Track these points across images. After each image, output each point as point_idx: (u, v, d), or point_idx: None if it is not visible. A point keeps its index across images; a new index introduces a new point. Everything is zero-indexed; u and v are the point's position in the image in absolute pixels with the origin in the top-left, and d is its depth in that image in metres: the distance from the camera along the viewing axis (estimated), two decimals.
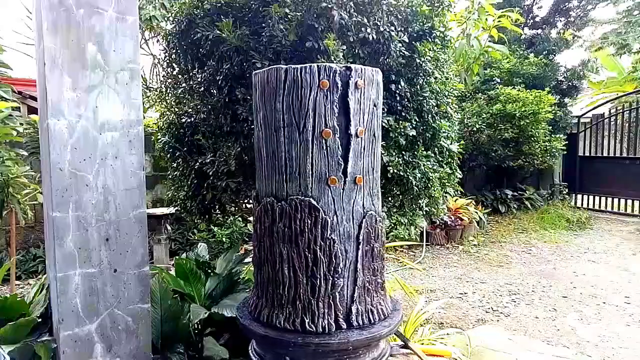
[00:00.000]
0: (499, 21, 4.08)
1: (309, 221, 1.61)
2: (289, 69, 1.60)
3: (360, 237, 1.67)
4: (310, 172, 1.61)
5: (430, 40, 2.73)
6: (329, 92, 1.57)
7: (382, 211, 1.85)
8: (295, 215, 1.62)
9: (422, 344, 2.85)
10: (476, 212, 7.26)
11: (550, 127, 8.96)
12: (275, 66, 1.65)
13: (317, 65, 1.58)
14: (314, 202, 1.61)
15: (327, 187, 1.61)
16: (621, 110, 9.91)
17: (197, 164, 2.90)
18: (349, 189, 1.64)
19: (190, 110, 2.98)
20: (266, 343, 1.76)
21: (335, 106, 1.58)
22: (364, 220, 1.68)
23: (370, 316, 1.71)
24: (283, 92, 1.61)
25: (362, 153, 1.65)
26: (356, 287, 1.68)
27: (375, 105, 1.69)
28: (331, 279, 1.63)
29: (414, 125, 2.72)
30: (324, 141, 1.59)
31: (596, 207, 9.90)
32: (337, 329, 1.64)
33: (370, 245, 1.72)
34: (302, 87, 1.58)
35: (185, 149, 3.04)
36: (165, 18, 4.22)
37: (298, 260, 1.63)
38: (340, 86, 1.58)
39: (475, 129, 8.00)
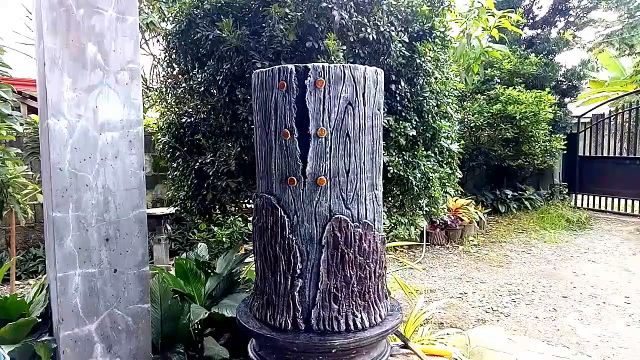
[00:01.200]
0: (500, 21, 4.08)
1: (271, 219, 1.67)
2: (260, 72, 1.67)
3: (324, 241, 1.63)
4: (274, 172, 1.67)
5: (430, 40, 2.73)
6: (287, 93, 1.60)
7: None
8: (262, 212, 1.71)
9: (422, 344, 2.85)
10: (476, 212, 7.26)
11: (550, 127, 8.96)
12: (267, 69, 1.68)
13: (279, 67, 1.61)
14: (274, 201, 1.66)
15: (287, 186, 1.64)
16: (621, 110, 9.92)
17: (197, 164, 2.90)
18: (309, 190, 1.62)
19: (190, 110, 2.98)
20: (246, 336, 1.86)
21: (293, 107, 1.60)
22: (330, 223, 1.62)
23: (335, 324, 1.64)
24: (255, 94, 1.71)
25: (328, 154, 1.61)
26: (318, 291, 1.65)
27: (350, 104, 1.60)
28: (290, 278, 1.66)
29: (414, 125, 2.72)
30: (283, 141, 1.62)
31: (596, 207, 9.90)
32: (294, 329, 1.65)
33: (339, 251, 1.63)
34: (266, 89, 1.65)
35: (185, 149, 3.04)
36: (164, 19, 4.22)
37: (264, 255, 1.72)
38: (296, 87, 1.59)
39: (476, 125, 7.99)
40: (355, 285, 1.67)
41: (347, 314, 1.66)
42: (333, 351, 1.62)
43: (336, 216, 1.63)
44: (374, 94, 1.67)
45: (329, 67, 1.59)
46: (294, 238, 1.64)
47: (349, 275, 1.66)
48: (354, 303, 1.67)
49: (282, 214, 1.65)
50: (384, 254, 1.78)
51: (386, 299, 1.82)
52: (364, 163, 1.66)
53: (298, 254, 1.64)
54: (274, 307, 1.70)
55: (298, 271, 1.65)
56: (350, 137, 1.62)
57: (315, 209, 1.63)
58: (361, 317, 1.68)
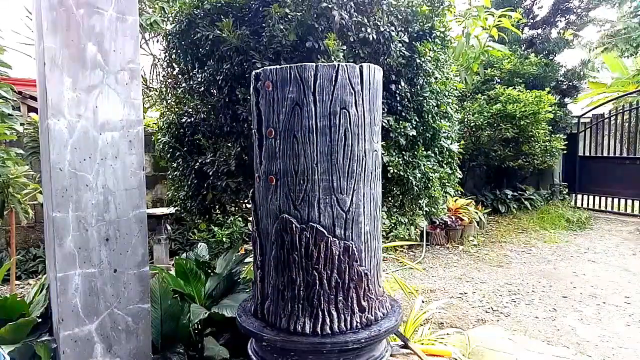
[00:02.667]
0: (499, 21, 4.07)
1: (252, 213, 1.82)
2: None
3: (273, 238, 1.67)
4: (253, 168, 1.81)
5: (430, 40, 2.74)
6: (252, 96, 1.72)
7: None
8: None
9: (422, 343, 2.85)
10: (476, 212, 7.26)
11: (550, 127, 8.96)
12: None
13: (255, 73, 1.70)
14: (251, 196, 1.83)
15: (254, 183, 1.78)
16: (621, 110, 9.92)
17: (197, 164, 2.90)
18: (265, 188, 1.70)
19: (190, 110, 2.98)
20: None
21: (254, 109, 1.71)
22: (277, 222, 1.65)
23: (284, 322, 1.66)
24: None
25: (277, 154, 1.63)
26: (270, 285, 1.72)
27: (298, 104, 1.58)
28: (255, 267, 1.80)
29: (414, 125, 2.72)
30: (254, 141, 1.76)
31: (596, 207, 9.90)
32: (257, 317, 1.80)
33: (285, 251, 1.63)
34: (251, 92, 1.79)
35: (185, 149, 3.04)
36: (165, 18, 4.22)
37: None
38: (255, 90, 1.70)
39: (476, 125, 8.00)
40: (301, 289, 1.64)
41: (292, 314, 1.66)
42: (264, 342, 1.74)
43: (282, 216, 1.64)
44: (330, 92, 1.60)
45: (277, 69, 1.61)
46: (257, 231, 1.76)
47: (294, 277, 1.65)
48: (299, 306, 1.65)
49: (254, 208, 1.78)
50: (352, 266, 1.65)
51: (361, 312, 1.69)
52: (316, 164, 1.60)
53: (258, 247, 1.76)
54: (251, 297, 1.92)
55: (258, 263, 1.77)
56: (297, 138, 1.60)
57: (269, 206, 1.69)
58: (304, 322, 1.64)
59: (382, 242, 1.98)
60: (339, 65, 1.61)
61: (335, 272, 1.64)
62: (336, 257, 1.63)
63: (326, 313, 1.64)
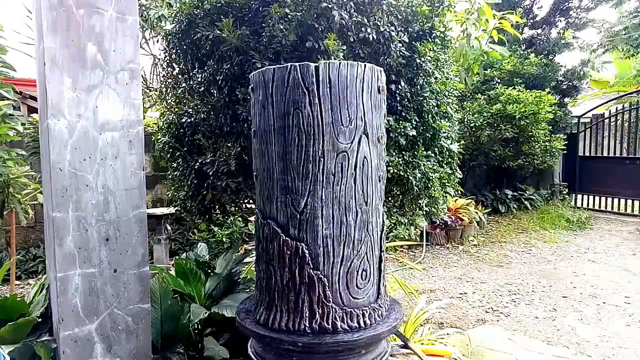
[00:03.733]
0: (500, 23, 4.08)
1: None
2: None
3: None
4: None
5: (430, 40, 2.74)
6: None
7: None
8: None
9: (422, 344, 2.85)
10: (476, 212, 7.26)
11: (550, 127, 8.96)
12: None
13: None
14: None
15: None
16: (621, 110, 9.92)
17: (197, 164, 2.90)
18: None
19: (190, 110, 2.98)
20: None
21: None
22: (255, 216, 1.89)
23: (261, 313, 1.78)
24: None
25: (255, 153, 1.81)
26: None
27: (263, 106, 1.72)
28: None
29: (414, 125, 2.72)
30: None
31: (596, 207, 9.90)
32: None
33: (258, 246, 1.81)
34: None
35: (185, 149, 3.04)
36: (172, 13, 4.21)
37: None
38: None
39: (476, 125, 8.00)
40: (263, 282, 1.76)
41: (268, 307, 1.75)
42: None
43: (256, 210, 1.78)
44: (284, 93, 1.62)
45: (257, 73, 1.72)
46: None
47: (260, 269, 1.79)
48: (261, 297, 1.79)
49: None
50: (303, 268, 1.62)
51: (312, 317, 1.65)
52: (274, 164, 1.66)
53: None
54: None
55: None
56: (263, 138, 1.70)
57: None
58: (267, 314, 1.73)
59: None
60: (291, 65, 1.61)
61: (287, 270, 1.65)
62: (287, 256, 1.64)
63: (278, 309, 1.70)
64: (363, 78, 1.66)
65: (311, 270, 1.63)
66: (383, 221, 1.81)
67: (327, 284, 1.65)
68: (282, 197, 1.65)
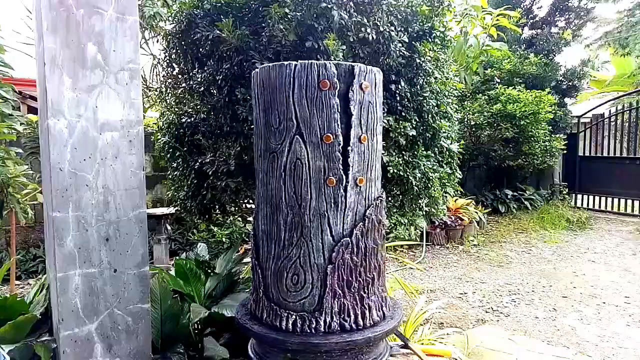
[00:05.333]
0: (498, 20, 4.08)
1: None
2: None
3: None
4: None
5: (430, 40, 2.74)
6: None
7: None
8: None
9: (422, 343, 2.85)
10: (476, 212, 7.26)
11: (550, 127, 8.96)
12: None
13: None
14: None
15: None
16: (621, 110, 9.92)
17: (197, 164, 2.90)
18: None
19: (190, 110, 2.98)
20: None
21: None
22: None
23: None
24: None
25: None
26: None
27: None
28: None
29: (414, 125, 2.72)
30: None
31: (596, 207, 9.90)
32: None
33: None
34: None
35: (185, 149, 3.04)
36: (167, 17, 4.20)
37: None
38: None
39: (476, 124, 7.99)
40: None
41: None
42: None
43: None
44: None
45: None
46: None
47: None
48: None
49: None
50: (253, 255, 1.84)
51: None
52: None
53: None
54: None
55: None
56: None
57: None
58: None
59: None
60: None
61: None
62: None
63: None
64: (293, 78, 1.60)
65: (253, 259, 1.80)
66: (346, 233, 1.65)
67: (261, 274, 1.78)
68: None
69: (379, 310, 1.78)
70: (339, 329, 1.66)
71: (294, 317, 1.68)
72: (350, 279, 1.66)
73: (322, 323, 1.65)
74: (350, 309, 1.67)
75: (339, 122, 1.61)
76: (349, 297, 1.67)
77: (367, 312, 1.71)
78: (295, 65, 1.61)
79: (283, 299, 1.71)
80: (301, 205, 1.63)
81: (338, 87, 1.59)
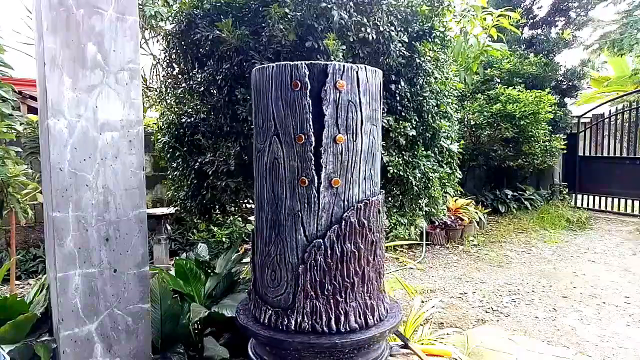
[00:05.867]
0: (498, 20, 4.07)
1: None
2: None
3: None
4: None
5: (430, 40, 2.74)
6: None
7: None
8: None
9: (422, 343, 2.85)
10: (476, 212, 7.26)
11: (550, 127, 8.96)
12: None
13: None
14: None
15: None
16: (621, 110, 9.92)
17: (197, 164, 2.90)
18: None
19: (190, 110, 2.98)
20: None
21: None
22: None
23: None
24: None
25: None
26: None
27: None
28: None
29: (414, 125, 2.72)
30: None
31: (596, 207, 9.90)
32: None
33: None
34: None
35: (185, 149, 3.04)
36: (167, 17, 4.19)
37: None
38: None
39: (476, 124, 7.99)
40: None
41: None
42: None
43: None
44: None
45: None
46: None
47: None
48: None
49: None
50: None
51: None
52: None
53: None
54: None
55: None
56: None
57: None
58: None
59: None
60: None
61: None
62: None
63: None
64: (271, 79, 1.64)
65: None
66: (320, 234, 1.63)
67: (253, 268, 1.84)
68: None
69: (360, 318, 1.68)
70: (310, 329, 1.65)
71: (270, 312, 1.72)
72: (323, 281, 1.63)
73: (293, 321, 1.66)
74: (322, 311, 1.64)
75: (310, 123, 1.60)
76: (321, 299, 1.64)
77: (342, 317, 1.64)
78: (273, 67, 1.64)
79: (264, 293, 1.76)
80: (278, 204, 1.67)
81: (309, 87, 1.59)
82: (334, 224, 1.63)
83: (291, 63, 1.61)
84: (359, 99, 1.63)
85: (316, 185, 1.61)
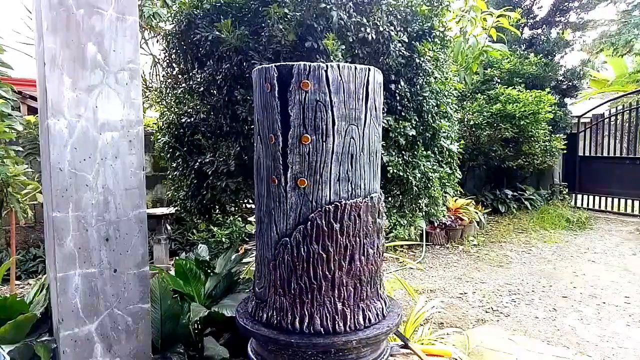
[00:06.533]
0: (498, 21, 4.07)
1: None
2: None
3: None
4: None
5: (429, 40, 2.74)
6: None
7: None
8: None
9: (422, 343, 2.85)
10: (476, 212, 7.26)
11: (550, 127, 8.96)
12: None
13: None
14: None
15: None
16: (621, 110, 9.92)
17: (197, 164, 2.90)
18: None
19: (190, 110, 2.98)
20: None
21: None
22: None
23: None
24: None
25: None
26: None
27: None
28: None
29: (413, 125, 2.72)
30: None
31: (596, 207, 9.90)
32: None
33: None
34: None
35: (185, 149, 3.05)
36: (166, 17, 4.20)
37: None
38: None
39: (476, 124, 8.00)
40: None
41: None
42: None
43: None
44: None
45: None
46: None
47: None
48: None
49: None
50: None
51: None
52: None
53: None
54: None
55: None
56: None
57: None
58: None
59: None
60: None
61: None
62: None
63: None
64: (255, 81, 1.69)
65: None
66: (288, 233, 1.65)
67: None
68: None
69: (326, 322, 1.64)
70: (277, 324, 1.68)
71: (253, 302, 1.79)
72: (290, 280, 1.64)
73: (264, 315, 1.71)
74: (288, 309, 1.65)
75: (279, 123, 1.61)
76: (288, 297, 1.66)
77: (306, 318, 1.63)
78: (257, 69, 1.69)
79: (255, 284, 1.85)
80: (260, 201, 1.73)
81: (277, 89, 1.60)
82: (300, 224, 1.62)
83: (267, 66, 1.64)
84: (330, 98, 1.59)
85: (283, 184, 1.63)
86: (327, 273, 1.63)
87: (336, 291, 1.65)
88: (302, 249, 1.62)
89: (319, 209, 1.61)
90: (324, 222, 1.61)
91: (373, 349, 1.74)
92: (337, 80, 1.60)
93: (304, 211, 1.62)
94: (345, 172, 1.65)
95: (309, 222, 1.61)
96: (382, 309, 1.79)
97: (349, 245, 1.65)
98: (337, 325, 1.64)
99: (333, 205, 1.62)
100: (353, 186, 1.67)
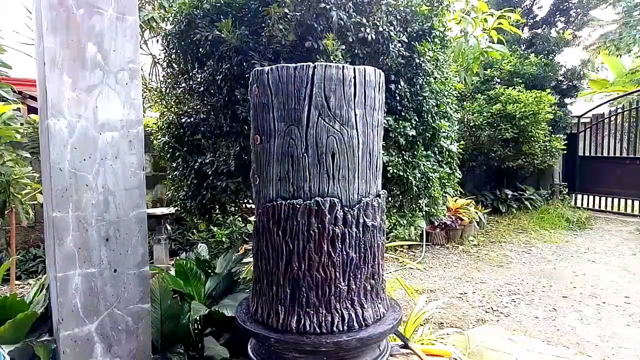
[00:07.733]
0: (499, 22, 4.07)
1: None
2: None
3: None
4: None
5: (429, 40, 2.74)
6: None
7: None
8: None
9: (422, 343, 2.85)
10: (476, 212, 7.26)
11: (550, 127, 8.96)
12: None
13: None
14: None
15: None
16: (621, 110, 9.92)
17: (197, 164, 2.90)
18: None
19: (190, 110, 2.98)
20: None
21: None
22: None
23: None
24: None
25: None
26: None
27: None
28: None
29: (413, 125, 2.72)
30: None
31: (596, 207, 9.90)
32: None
33: None
34: None
35: (185, 149, 3.05)
36: (165, 18, 4.20)
37: None
38: None
39: (476, 124, 8.00)
40: None
41: None
42: None
43: None
44: None
45: None
46: None
47: None
48: None
49: None
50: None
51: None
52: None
53: None
54: None
55: None
56: None
57: None
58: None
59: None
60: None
61: None
62: None
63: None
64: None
65: None
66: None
67: None
68: None
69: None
70: (261, 319, 1.74)
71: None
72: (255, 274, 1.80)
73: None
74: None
75: (251, 124, 1.76)
76: (258, 292, 1.79)
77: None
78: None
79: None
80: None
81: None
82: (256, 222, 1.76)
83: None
84: (270, 100, 1.63)
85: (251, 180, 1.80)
86: (269, 272, 1.72)
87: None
88: (260, 245, 1.73)
89: (265, 206, 1.71)
90: (265, 219, 1.68)
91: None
92: (275, 81, 1.62)
93: (260, 207, 1.75)
94: (284, 172, 1.64)
95: (258, 219, 1.74)
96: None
97: (285, 246, 1.66)
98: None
99: (271, 204, 1.66)
100: (288, 185, 1.63)
